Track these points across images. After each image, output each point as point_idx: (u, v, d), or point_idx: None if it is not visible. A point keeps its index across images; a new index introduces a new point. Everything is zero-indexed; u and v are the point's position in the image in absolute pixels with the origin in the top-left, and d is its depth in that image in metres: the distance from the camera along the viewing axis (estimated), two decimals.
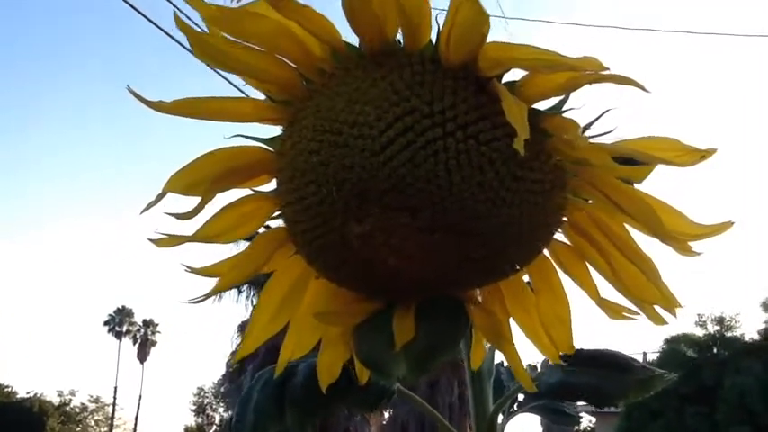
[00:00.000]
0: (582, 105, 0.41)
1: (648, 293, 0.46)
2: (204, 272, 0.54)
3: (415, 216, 0.41)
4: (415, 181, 0.40)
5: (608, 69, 0.35)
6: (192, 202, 0.48)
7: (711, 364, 12.52)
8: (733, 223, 0.43)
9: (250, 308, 13.60)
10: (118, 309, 35.41)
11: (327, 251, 0.46)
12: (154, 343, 35.90)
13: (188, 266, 0.54)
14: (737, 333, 13.74)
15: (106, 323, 35.42)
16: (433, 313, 0.50)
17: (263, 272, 0.54)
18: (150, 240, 0.50)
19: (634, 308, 0.49)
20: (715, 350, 13.12)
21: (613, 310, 0.50)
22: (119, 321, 35.13)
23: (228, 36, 0.42)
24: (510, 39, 0.39)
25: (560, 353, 0.53)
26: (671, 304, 0.46)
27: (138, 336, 35.62)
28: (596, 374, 0.59)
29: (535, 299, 0.53)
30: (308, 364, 0.63)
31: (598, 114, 0.43)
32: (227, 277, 0.53)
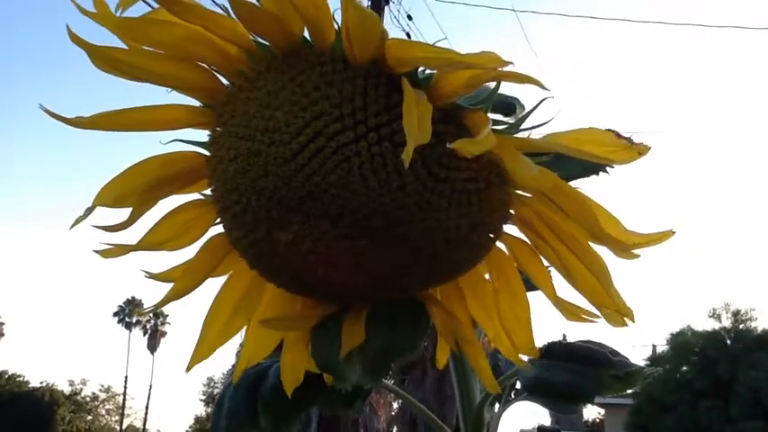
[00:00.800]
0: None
1: (600, 296, 0.43)
2: (160, 277, 0.54)
3: (336, 224, 0.39)
4: (329, 188, 0.38)
5: (508, 65, 0.32)
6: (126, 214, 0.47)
7: (726, 358, 12.17)
8: (674, 232, 0.40)
9: None
10: (128, 300, 35.98)
11: (262, 259, 0.45)
12: (164, 334, 36.47)
13: (147, 272, 0.53)
14: (753, 325, 13.31)
15: (116, 314, 36.04)
16: (389, 314, 0.48)
17: (217, 276, 0.53)
18: (95, 252, 0.49)
19: (593, 309, 0.46)
20: (728, 342, 12.77)
21: (570, 312, 0.47)
22: (128, 312, 35.67)
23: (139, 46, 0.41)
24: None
25: (521, 355, 0.50)
26: (622, 310, 0.42)
27: (147, 326, 36.19)
28: (571, 370, 0.56)
29: (495, 299, 0.50)
30: (278, 366, 0.62)
31: (534, 105, 0.40)
32: (180, 283, 0.52)
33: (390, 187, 0.38)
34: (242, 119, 0.40)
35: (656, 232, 0.40)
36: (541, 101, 0.40)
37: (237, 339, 0.56)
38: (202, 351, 0.53)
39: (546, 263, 0.48)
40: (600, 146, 0.37)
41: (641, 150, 0.36)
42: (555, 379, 0.56)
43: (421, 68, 0.39)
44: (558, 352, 0.58)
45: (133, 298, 36.07)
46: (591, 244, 0.43)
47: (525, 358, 0.58)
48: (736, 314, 13.57)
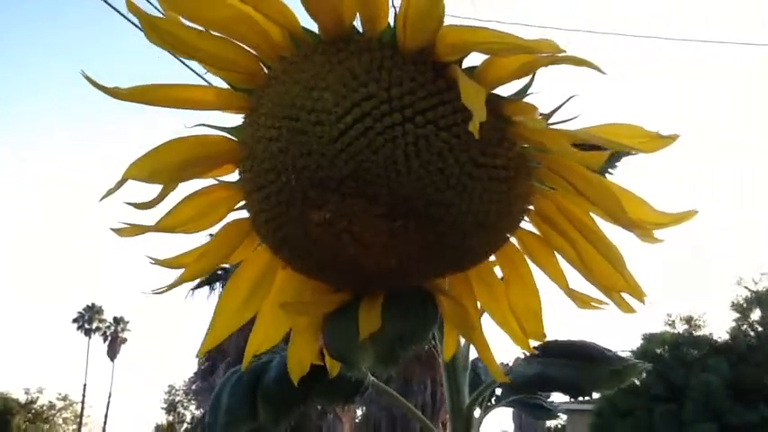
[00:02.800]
0: (540, 91, 0.40)
1: (615, 281, 0.45)
2: (169, 263, 0.53)
3: (374, 203, 0.41)
4: (373, 167, 0.39)
5: (564, 51, 0.35)
6: (152, 192, 0.47)
7: (680, 363, 12.65)
8: (697, 212, 0.43)
9: None
10: (87, 306, 34.92)
11: (290, 241, 0.46)
12: (124, 340, 35.38)
13: (152, 258, 0.53)
14: (706, 332, 13.90)
15: (75, 320, 34.95)
16: (401, 303, 0.49)
17: (230, 263, 0.54)
18: (112, 230, 0.49)
19: (603, 297, 0.49)
20: (684, 350, 13.29)
21: (582, 300, 0.49)
22: (88, 319, 34.60)
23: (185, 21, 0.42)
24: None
25: (532, 342, 0.52)
26: (636, 292, 0.45)
27: (107, 333, 35.05)
28: (571, 365, 0.58)
29: (505, 288, 0.52)
30: (281, 359, 0.63)
31: (562, 101, 0.43)
32: (192, 268, 0.52)
33: (432, 169, 0.39)
34: (287, 99, 0.41)
35: (680, 212, 0.43)
36: (569, 98, 0.43)
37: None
38: (213, 336, 0.53)
39: (557, 255, 0.50)
40: (631, 137, 0.40)
41: (668, 139, 0.39)
42: (555, 374, 0.58)
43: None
44: (555, 349, 0.60)
45: (93, 304, 34.79)
46: (605, 232, 0.45)
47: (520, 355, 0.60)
48: (689, 320, 14.04)
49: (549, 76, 0.42)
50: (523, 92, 0.41)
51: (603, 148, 0.39)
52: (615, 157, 0.54)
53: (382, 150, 0.39)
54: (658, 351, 13.08)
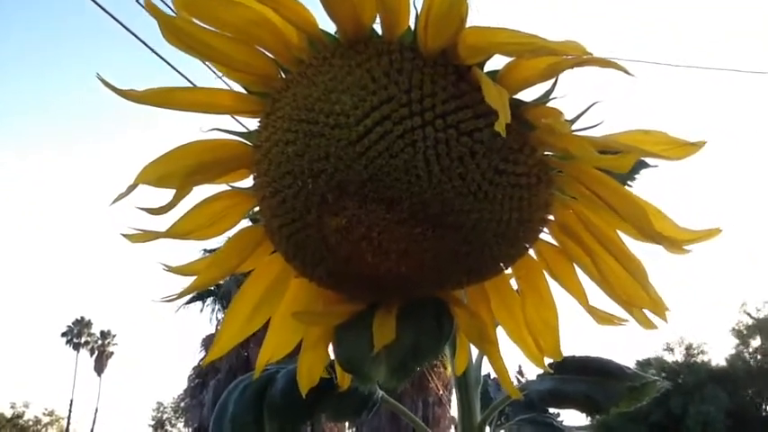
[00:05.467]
0: (564, 95, 0.39)
1: (636, 296, 0.44)
2: (180, 271, 0.52)
3: (393, 209, 0.40)
4: (392, 172, 0.38)
5: (590, 54, 0.34)
6: (164, 198, 0.46)
7: (679, 391, 12.55)
8: (721, 230, 0.42)
9: (214, 321, 13.38)
10: (77, 320, 34.71)
11: (305, 248, 0.45)
12: (110, 355, 35.12)
13: (165, 265, 0.52)
14: (705, 359, 13.83)
15: (64, 334, 34.66)
16: (415, 314, 0.48)
17: (241, 271, 0.53)
18: (123, 235, 0.48)
19: (623, 314, 0.47)
20: (682, 377, 13.24)
21: (601, 317, 0.48)
22: (77, 332, 34.32)
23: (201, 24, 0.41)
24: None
25: (547, 359, 0.51)
26: (659, 308, 0.44)
27: (95, 347, 34.82)
28: (587, 382, 0.56)
29: (521, 302, 0.51)
30: (288, 371, 0.61)
31: (584, 108, 0.42)
32: (203, 276, 0.51)
33: (452, 174, 0.38)
34: (304, 102, 0.40)
35: (704, 229, 0.41)
36: (591, 105, 0.42)
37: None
38: (222, 344, 0.52)
39: (577, 269, 0.49)
40: (657, 144, 0.39)
41: (695, 147, 0.38)
42: (571, 390, 0.56)
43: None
44: (571, 365, 0.59)
45: (82, 318, 34.65)
46: (626, 244, 0.44)
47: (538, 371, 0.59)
48: (688, 348, 13.95)
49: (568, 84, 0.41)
50: (546, 96, 0.40)
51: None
52: (635, 168, 0.53)
53: (402, 154, 0.38)
54: (659, 376, 13.06)
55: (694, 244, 0.41)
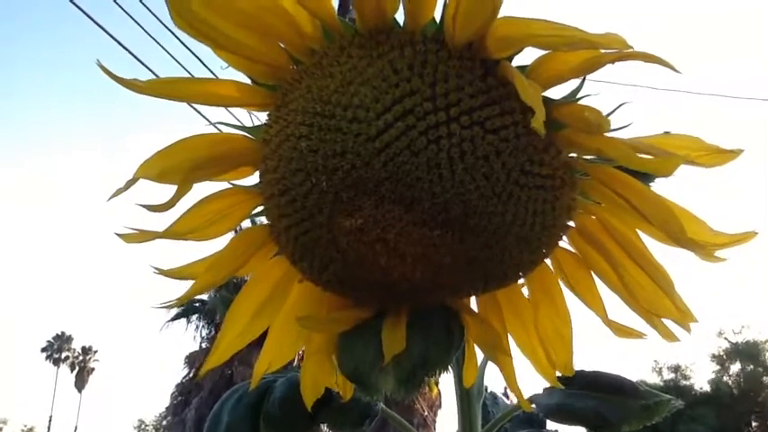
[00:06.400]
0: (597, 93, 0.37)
1: (660, 306, 0.42)
2: (176, 274, 0.50)
3: (413, 210, 0.37)
4: (414, 170, 0.36)
5: (632, 47, 0.32)
6: (165, 194, 0.43)
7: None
8: (757, 233, 0.40)
9: (198, 339, 13.17)
10: (57, 335, 34.21)
11: (314, 250, 0.42)
12: (91, 371, 34.67)
13: (157, 268, 0.49)
14: (691, 382, 14.01)
15: (44, 349, 34.16)
16: (425, 323, 0.46)
17: (241, 274, 0.50)
18: (118, 235, 0.45)
19: (642, 327, 0.46)
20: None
21: (620, 330, 0.46)
22: (57, 348, 33.82)
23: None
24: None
25: (558, 373, 0.49)
26: (685, 317, 0.42)
27: (76, 363, 34.39)
28: (597, 398, 0.54)
29: (534, 313, 0.49)
30: (286, 380, 0.58)
31: (612, 108, 0.40)
32: (202, 279, 0.48)
33: (477, 174, 0.36)
34: (320, 94, 0.38)
35: (739, 233, 0.40)
36: (619, 105, 0.40)
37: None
38: (220, 352, 0.49)
39: (596, 279, 0.47)
40: (690, 149, 0.37)
41: (732, 154, 0.37)
42: (580, 406, 0.54)
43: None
44: (582, 380, 0.57)
45: (63, 333, 34.06)
46: (651, 252, 0.42)
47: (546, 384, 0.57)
48: (676, 369, 14.07)
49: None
50: (574, 95, 0.38)
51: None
52: (648, 175, 0.51)
53: (424, 152, 0.36)
54: None
55: (729, 248, 0.40)
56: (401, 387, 0.44)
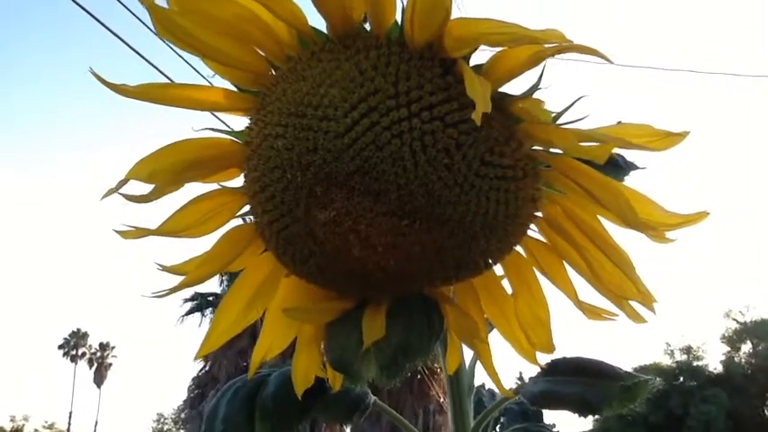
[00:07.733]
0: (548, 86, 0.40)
1: (625, 289, 0.44)
2: (176, 270, 0.53)
3: (380, 200, 0.40)
4: (379, 163, 0.39)
5: (571, 41, 0.34)
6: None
7: (679, 392, 12.48)
8: (708, 213, 0.42)
9: None
10: (73, 332, 34.54)
11: (294, 243, 0.45)
12: (109, 366, 34.87)
13: (159, 264, 0.53)
14: (703, 363, 13.79)
15: (61, 347, 34.53)
16: (405, 312, 0.48)
17: (232, 270, 0.53)
18: (116, 231, 0.49)
19: (613, 309, 0.48)
20: (681, 379, 13.21)
21: (591, 312, 0.48)
22: (73, 345, 34.11)
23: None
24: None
25: (540, 356, 0.51)
26: (647, 299, 0.44)
27: (93, 359, 34.60)
28: (581, 383, 0.56)
29: (512, 300, 0.51)
30: (280, 373, 0.61)
31: (570, 102, 0.42)
32: (193, 274, 0.51)
33: (438, 165, 0.39)
34: (294, 96, 0.41)
35: (692, 213, 0.42)
36: (577, 99, 0.42)
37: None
38: (212, 340, 0.52)
39: (566, 265, 0.49)
40: (641, 136, 0.40)
41: (679, 137, 0.39)
42: (565, 391, 0.56)
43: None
44: (564, 367, 0.59)
45: (79, 330, 34.42)
46: (613, 237, 0.45)
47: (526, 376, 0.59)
48: (688, 350, 13.90)
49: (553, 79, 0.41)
50: (532, 90, 0.41)
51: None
52: (625, 168, 0.53)
53: (388, 146, 0.39)
54: (657, 380, 13.10)
55: (682, 227, 0.42)
56: (383, 373, 0.46)
